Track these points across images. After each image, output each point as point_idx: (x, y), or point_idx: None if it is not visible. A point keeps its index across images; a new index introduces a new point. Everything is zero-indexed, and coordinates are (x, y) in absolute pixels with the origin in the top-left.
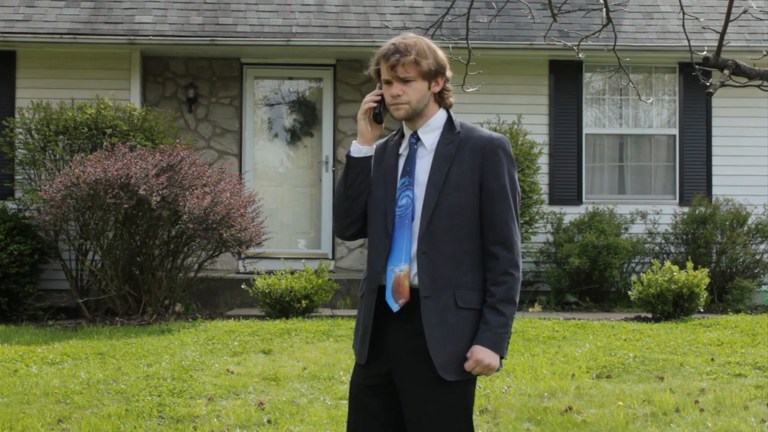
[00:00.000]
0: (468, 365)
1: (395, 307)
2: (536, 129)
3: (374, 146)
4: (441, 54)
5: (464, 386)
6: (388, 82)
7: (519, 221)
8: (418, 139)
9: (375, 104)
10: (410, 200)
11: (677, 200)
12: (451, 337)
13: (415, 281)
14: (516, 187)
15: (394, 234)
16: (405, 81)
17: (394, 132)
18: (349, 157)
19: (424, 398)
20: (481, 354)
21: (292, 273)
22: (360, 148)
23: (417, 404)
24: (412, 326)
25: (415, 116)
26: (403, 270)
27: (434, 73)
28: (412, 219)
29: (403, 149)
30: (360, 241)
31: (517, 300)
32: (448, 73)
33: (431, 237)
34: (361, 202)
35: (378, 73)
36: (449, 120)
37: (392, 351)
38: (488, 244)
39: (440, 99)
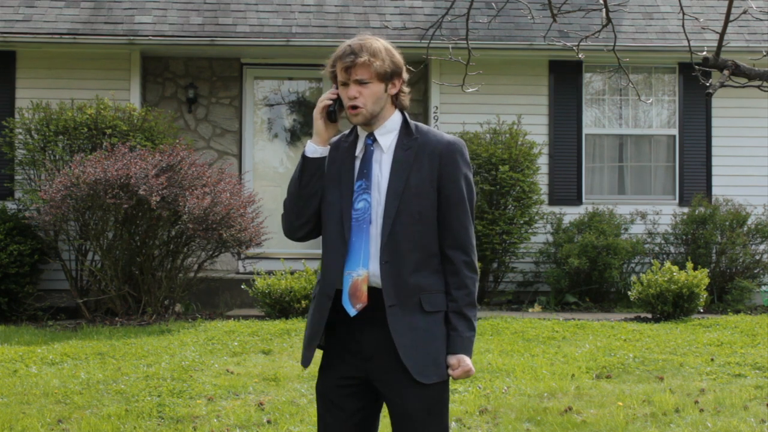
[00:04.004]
0: (456, 374)
1: (352, 311)
2: (536, 129)
3: (329, 146)
4: (398, 55)
5: (442, 386)
6: (345, 84)
7: (474, 223)
8: (375, 140)
9: (330, 102)
10: (368, 204)
11: (677, 200)
12: (421, 342)
13: (375, 286)
14: (472, 191)
15: (351, 238)
16: (360, 82)
17: (348, 131)
18: (304, 157)
19: (404, 400)
20: (465, 362)
21: (291, 273)
22: (315, 149)
23: (397, 405)
24: (382, 330)
25: (372, 119)
26: (361, 275)
27: (390, 75)
28: (370, 223)
29: (359, 151)
30: None
31: (476, 300)
32: (405, 75)
33: (394, 245)
34: (314, 202)
35: (335, 75)
36: (405, 122)
37: (366, 353)
38: (446, 248)
39: (396, 101)
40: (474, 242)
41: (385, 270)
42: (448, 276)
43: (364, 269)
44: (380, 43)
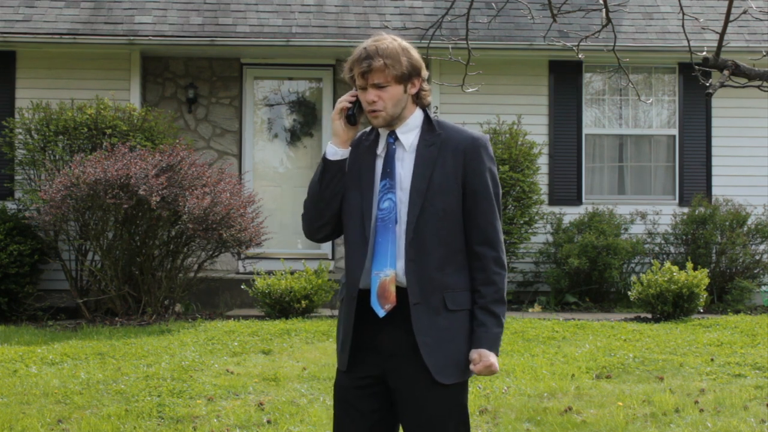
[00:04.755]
0: (477, 369)
1: (381, 312)
2: (536, 129)
3: (350, 147)
4: (415, 54)
5: (461, 386)
6: (363, 88)
7: (501, 218)
8: (396, 138)
9: (349, 104)
10: (393, 203)
11: (677, 200)
12: (443, 341)
13: (400, 285)
14: (498, 185)
15: (377, 238)
16: (378, 86)
17: (369, 129)
18: (325, 159)
19: (422, 400)
20: (487, 357)
21: (291, 273)
22: (336, 150)
23: (415, 405)
24: (404, 329)
25: (393, 120)
26: (389, 275)
27: (408, 76)
28: (396, 222)
29: (381, 150)
30: None
31: (506, 297)
32: (424, 73)
33: (419, 243)
34: (335, 204)
35: (353, 78)
36: (427, 119)
37: (386, 353)
38: (474, 244)
39: (417, 99)
40: (501, 237)
41: (410, 268)
42: (475, 272)
43: (392, 269)
44: (396, 44)
